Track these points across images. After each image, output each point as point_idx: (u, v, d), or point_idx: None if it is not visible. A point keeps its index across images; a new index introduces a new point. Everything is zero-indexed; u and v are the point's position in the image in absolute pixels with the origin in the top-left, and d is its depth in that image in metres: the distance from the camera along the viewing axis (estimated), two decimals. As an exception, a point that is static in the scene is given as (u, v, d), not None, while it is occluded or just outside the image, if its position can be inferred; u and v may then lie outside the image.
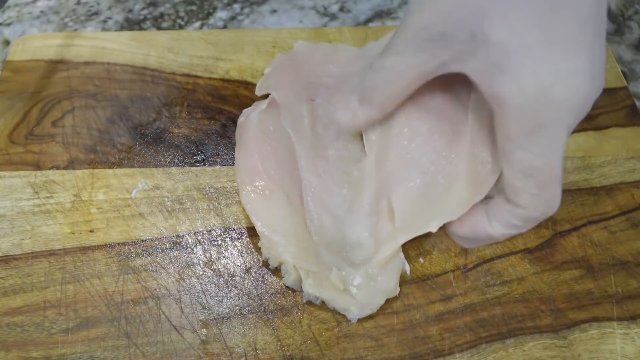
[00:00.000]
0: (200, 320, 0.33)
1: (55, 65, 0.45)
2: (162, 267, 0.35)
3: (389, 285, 0.33)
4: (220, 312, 0.34)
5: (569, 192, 0.39)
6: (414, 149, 0.34)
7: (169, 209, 0.38)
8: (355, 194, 0.35)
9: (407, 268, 0.34)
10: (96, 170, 0.39)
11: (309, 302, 0.34)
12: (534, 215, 0.31)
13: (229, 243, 0.36)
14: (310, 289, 0.33)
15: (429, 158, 0.33)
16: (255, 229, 0.36)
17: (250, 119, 0.39)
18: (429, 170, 0.33)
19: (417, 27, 0.29)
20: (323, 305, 0.34)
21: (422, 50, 0.30)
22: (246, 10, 0.53)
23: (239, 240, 0.36)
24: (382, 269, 0.33)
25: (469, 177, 0.32)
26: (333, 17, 0.52)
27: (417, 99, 0.34)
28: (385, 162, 0.34)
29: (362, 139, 0.39)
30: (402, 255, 0.34)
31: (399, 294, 0.34)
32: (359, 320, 0.33)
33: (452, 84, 0.34)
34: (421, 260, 0.36)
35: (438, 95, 0.34)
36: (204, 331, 0.33)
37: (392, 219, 0.33)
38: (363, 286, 0.33)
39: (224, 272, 0.35)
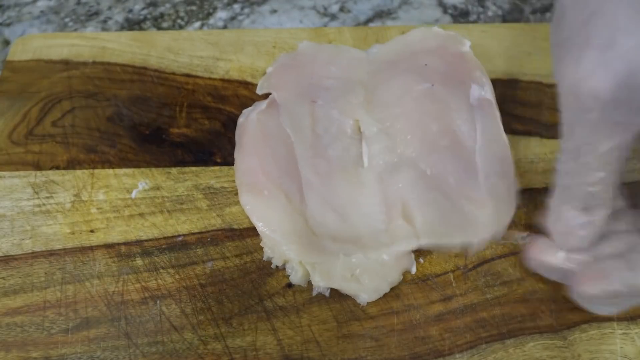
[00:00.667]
0: (200, 321, 0.33)
1: (55, 65, 0.45)
2: (162, 268, 0.35)
3: (394, 277, 0.34)
4: (220, 312, 0.34)
5: (569, 193, 0.39)
6: (428, 170, 0.37)
7: (169, 209, 0.38)
8: (357, 194, 0.35)
9: (414, 269, 0.35)
10: (96, 171, 0.39)
11: (310, 302, 0.34)
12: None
13: (229, 243, 0.36)
14: (320, 281, 0.33)
15: (446, 180, 0.36)
16: (255, 229, 0.36)
17: (249, 120, 0.39)
18: (451, 192, 0.36)
19: (601, 103, 0.26)
20: (323, 306, 0.34)
21: (615, 131, 0.27)
22: (246, 10, 0.53)
23: (240, 241, 0.36)
24: (393, 260, 0.34)
25: (492, 203, 0.36)
26: (333, 17, 0.52)
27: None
28: (393, 175, 0.36)
29: (362, 141, 0.39)
30: (412, 254, 0.35)
31: (399, 294, 0.34)
32: (359, 320, 0.33)
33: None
34: (421, 260, 0.36)
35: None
36: (204, 331, 0.33)
37: (409, 221, 0.35)
38: (372, 273, 0.34)
39: (224, 272, 0.35)
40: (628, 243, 0.31)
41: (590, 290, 0.30)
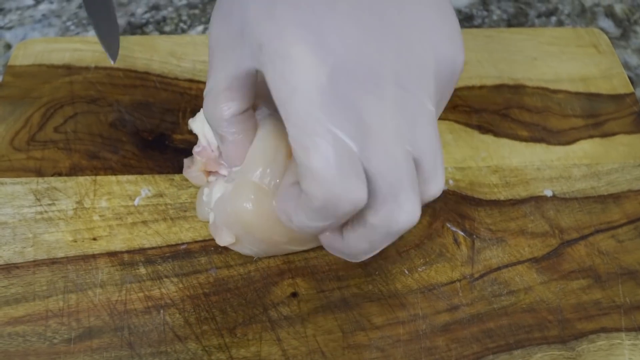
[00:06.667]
0: (204, 330, 0.33)
1: (57, 70, 0.44)
2: (165, 276, 0.35)
3: None
4: (225, 322, 0.33)
5: (576, 200, 0.39)
6: None
7: (172, 217, 0.37)
8: None
9: None
10: (99, 177, 0.39)
11: (315, 312, 0.34)
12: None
13: (233, 252, 0.36)
14: None
15: None
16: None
17: None
18: None
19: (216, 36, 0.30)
20: (329, 316, 0.34)
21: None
22: (249, 14, 0.52)
23: (243, 249, 0.36)
24: None
25: None
26: (337, 21, 0.52)
27: None
28: None
29: None
30: None
31: (405, 303, 0.34)
32: (365, 331, 0.33)
33: None
34: (426, 268, 0.35)
35: None
36: (208, 341, 0.33)
37: None
38: None
39: (228, 281, 0.35)
40: None
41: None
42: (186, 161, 0.37)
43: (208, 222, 0.35)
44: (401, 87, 0.26)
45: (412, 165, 0.27)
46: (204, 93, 0.31)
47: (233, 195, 0.33)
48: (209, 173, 0.36)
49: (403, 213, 0.26)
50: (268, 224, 0.32)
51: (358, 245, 0.29)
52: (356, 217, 0.28)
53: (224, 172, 0.35)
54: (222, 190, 0.33)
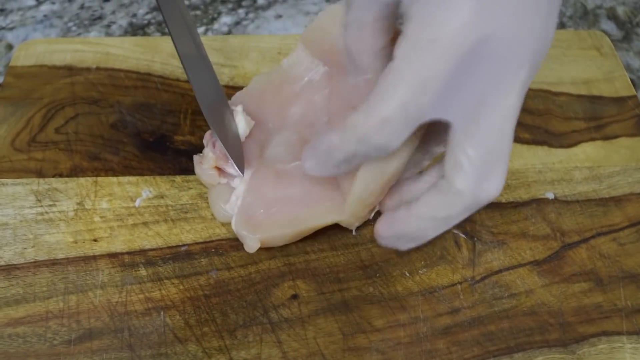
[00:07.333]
0: (205, 332, 0.33)
1: (58, 71, 0.44)
2: (166, 278, 0.35)
3: None
4: (225, 324, 0.33)
5: (578, 203, 0.38)
6: None
7: (173, 218, 0.37)
8: None
9: None
10: (99, 178, 0.39)
11: (316, 314, 0.34)
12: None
13: (234, 253, 0.36)
14: None
15: None
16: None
17: None
18: None
19: None
20: (329, 318, 0.34)
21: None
22: (251, 15, 0.53)
23: (244, 251, 0.36)
24: None
25: None
26: (338, 22, 0.52)
27: None
28: None
29: None
30: None
31: (405, 306, 0.34)
32: (365, 333, 0.33)
33: None
34: (426, 271, 0.35)
35: None
36: (208, 343, 0.32)
37: None
38: None
39: (228, 283, 0.35)
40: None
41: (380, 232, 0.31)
42: (196, 158, 0.37)
43: (222, 221, 0.37)
44: (529, 75, 0.26)
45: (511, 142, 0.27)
46: (345, 23, 0.29)
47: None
48: (220, 171, 0.36)
49: (494, 183, 0.27)
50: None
51: (435, 212, 0.28)
52: (434, 186, 0.28)
53: (232, 170, 0.36)
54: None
